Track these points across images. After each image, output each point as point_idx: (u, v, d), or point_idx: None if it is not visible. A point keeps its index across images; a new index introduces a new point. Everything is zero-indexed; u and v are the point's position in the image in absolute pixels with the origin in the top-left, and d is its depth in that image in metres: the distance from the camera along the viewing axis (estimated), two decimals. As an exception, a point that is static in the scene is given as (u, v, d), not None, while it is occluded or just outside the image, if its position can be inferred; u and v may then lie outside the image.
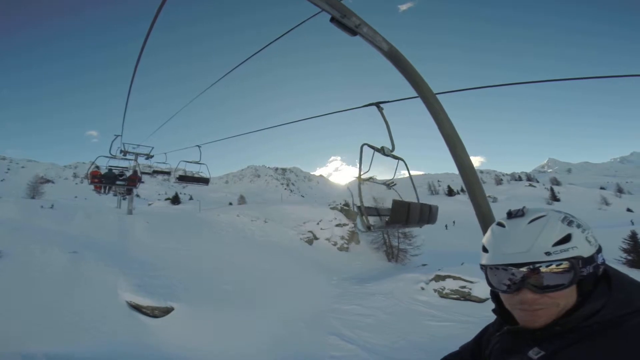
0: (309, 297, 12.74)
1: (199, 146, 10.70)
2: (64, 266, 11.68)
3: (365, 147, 3.01)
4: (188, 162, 12.29)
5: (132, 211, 20.01)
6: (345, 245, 19.85)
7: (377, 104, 2.99)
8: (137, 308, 10.19)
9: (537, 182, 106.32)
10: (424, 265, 17.29)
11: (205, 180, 13.57)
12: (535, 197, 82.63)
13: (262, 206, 23.81)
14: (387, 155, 3.19)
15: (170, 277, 11.91)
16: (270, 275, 14.11)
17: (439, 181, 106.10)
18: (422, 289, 12.53)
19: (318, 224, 19.98)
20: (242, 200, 54.78)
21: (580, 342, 0.72)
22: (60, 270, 11.42)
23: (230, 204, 49.74)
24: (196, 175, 13.79)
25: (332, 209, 21.95)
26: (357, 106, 3.27)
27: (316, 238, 19.28)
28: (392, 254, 20.12)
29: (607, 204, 78.75)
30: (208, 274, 12.86)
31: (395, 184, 3.91)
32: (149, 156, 21.85)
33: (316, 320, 10.63)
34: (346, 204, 23.88)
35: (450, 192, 62.52)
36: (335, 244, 19.61)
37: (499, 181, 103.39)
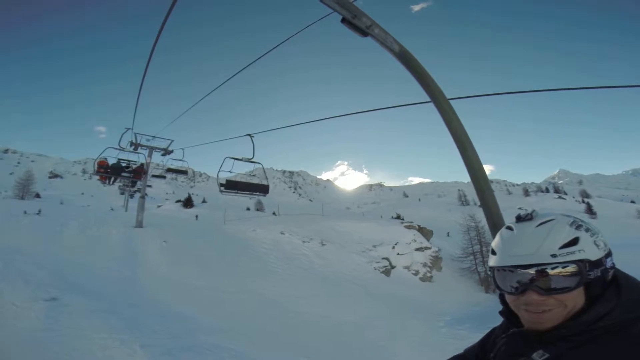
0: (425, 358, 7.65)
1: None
2: (33, 328, 6.61)
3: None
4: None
5: (143, 222, 15.01)
6: (429, 274, 14.76)
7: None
8: None
9: (566, 194, 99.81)
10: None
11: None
12: (570, 210, 76.12)
13: (306, 220, 18.69)
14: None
15: (225, 348, 6.77)
16: (361, 329, 8.98)
17: (459, 190, 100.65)
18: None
19: (394, 247, 14.81)
20: (259, 205, 49.66)
21: (586, 345, 0.70)
22: (25, 338, 6.36)
23: (248, 209, 44.77)
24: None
25: (409, 227, 16.68)
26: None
27: (392, 266, 14.14)
28: (489, 284, 15.10)
29: (644, 218, 72.81)
30: (278, 337, 7.68)
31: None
32: (166, 151, 16.96)
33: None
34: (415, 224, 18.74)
35: (485, 203, 57.57)
36: (416, 272, 14.52)
37: (527, 193, 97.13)
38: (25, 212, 14.49)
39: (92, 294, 8.05)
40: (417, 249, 15.19)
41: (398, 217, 22.90)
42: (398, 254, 14.62)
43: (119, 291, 8.51)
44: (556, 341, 0.74)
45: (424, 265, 14.90)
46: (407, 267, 14.46)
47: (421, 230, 16.97)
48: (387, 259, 14.13)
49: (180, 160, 15.65)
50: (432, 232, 17.60)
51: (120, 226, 13.90)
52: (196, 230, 15.70)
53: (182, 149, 15.25)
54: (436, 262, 15.55)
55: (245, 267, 11.70)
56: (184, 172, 16.78)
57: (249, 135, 4.81)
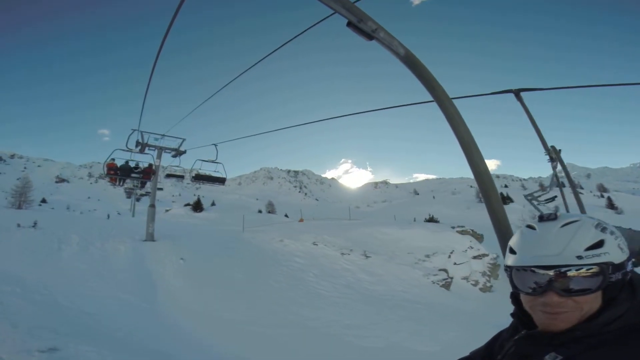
0: None
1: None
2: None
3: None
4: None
5: (154, 235, 12.87)
6: (488, 284, 12.70)
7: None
8: None
9: (582, 188, 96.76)
10: None
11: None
12: (591, 205, 73.30)
13: (337, 227, 16.56)
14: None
15: None
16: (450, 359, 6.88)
17: (471, 186, 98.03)
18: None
19: (450, 257, 12.66)
20: (271, 207, 47.50)
21: (599, 347, 0.67)
22: None
23: (260, 211, 42.68)
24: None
25: (462, 233, 14.50)
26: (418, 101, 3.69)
27: (450, 278, 12.02)
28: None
29: (667, 212, 69.56)
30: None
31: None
32: (178, 152, 14.81)
33: None
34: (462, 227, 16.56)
35: (504, 200, 54.97)
36: (475, 283, 12.45)
37: (543, 188, 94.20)
38: (18, 225, 12.48)
39: (103, 339, 5.96)
40: (475, 257, 13.04)
41: (431, 220, 20.71)
42: (455, 263, 12.48)
43: (139, 333, 6.41)
44: (569, 343, 0.71)
45: (483, 274, 12.77)
46: (466, 278, 12.32)
47: (473, 234, 14.84)
48: (444, 270, 11.96)
49: (213, 162, 12.35)
50: (483, 236, 15.44)
51: (128, 240, 11.81)
52: (214, 242, 13.58)
53: (215, 145, 11.89)
54: (494, 269, 13.42)
55: (284, 291, 9.58)
56: (220, 181, 13.01)
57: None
